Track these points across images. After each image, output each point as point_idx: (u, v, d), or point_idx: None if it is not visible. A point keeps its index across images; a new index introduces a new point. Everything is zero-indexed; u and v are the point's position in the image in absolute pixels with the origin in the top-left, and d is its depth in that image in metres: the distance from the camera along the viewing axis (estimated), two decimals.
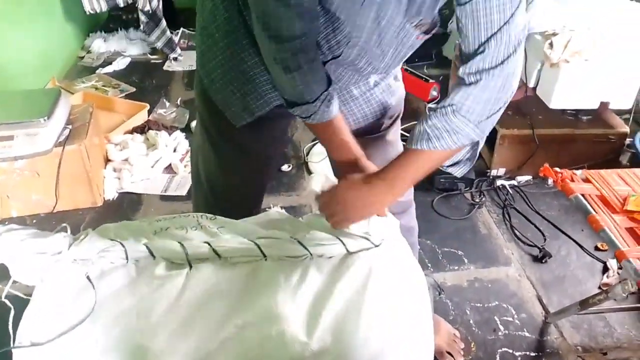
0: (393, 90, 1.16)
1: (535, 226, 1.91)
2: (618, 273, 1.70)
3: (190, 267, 0.93)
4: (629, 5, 2.01)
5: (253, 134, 1.12)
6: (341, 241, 0.97)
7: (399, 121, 1.24)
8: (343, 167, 1.01)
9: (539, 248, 1.80)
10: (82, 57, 3.20)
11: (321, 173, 1.08)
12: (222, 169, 1.24)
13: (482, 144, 0.98)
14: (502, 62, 0.83)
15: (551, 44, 1.85)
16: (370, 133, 1.17)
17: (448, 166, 1.03)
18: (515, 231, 1.89)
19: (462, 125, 0.87)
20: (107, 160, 2.17)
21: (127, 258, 0.92)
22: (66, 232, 0.90)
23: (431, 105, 0.98)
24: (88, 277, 0.90)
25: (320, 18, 0.87)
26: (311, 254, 0.96)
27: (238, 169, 1.24)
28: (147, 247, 0.93)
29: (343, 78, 1.04)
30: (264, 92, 1.06)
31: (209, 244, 0.95)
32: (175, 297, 0.89)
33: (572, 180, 1.40)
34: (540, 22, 1.95)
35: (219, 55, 1.05)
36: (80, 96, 2.60)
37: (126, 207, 2.03)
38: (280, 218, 1.14)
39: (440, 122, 0.88)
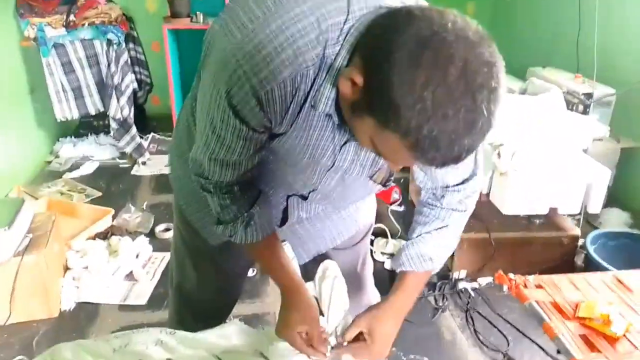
0: (365, 208, 1.21)
1: (499, 330, 1.92)
2: None
3: None
4: (567, 115, 2.19)
5: (228, 251, 1.13)
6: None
7: (367, 238, 1.28)
8: (282, 291, 1.01)
9: (502, 353, 1.80)
10: (50, 162, 3.23)
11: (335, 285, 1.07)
12: (197, 282, 1.25)
13: None
14: (474, 193, 1.00)
15: (499, 154, 1.99)
16: (341, 248, 1.20)
17: None
18: (479, 336, 1.89)
19: (454, 241, 1.04)
20: (67, 268, 2.13)
21: None
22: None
23: (428, 229, 1.03)
24: None
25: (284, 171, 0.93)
26: None
27: (212, 283, 1.25)
28: None
29: (309, 208, 1.07)
30: None
31: None
32: None
33: (526, 287, 1.44)
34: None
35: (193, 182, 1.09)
36: (45, 202, 2.59)
37: (83, 318, 1.96)
38: (241, 330, 1.13)
39: (439, 242, 1.01)
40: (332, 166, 0.89)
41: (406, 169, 2.62)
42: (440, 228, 1.00)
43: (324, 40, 0.70)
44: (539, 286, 1.46)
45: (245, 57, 0.70)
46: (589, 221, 2.52)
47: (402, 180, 2.85)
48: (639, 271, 1.54)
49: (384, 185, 1.00)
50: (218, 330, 1.12)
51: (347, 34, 0.70)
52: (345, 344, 0.99)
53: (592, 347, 1.25)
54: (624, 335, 1.28)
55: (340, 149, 0.85)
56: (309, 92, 0.74)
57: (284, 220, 1.04)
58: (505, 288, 1.46)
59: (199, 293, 1.26)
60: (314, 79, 0.72)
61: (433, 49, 0.59)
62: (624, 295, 1.42)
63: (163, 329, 1.10)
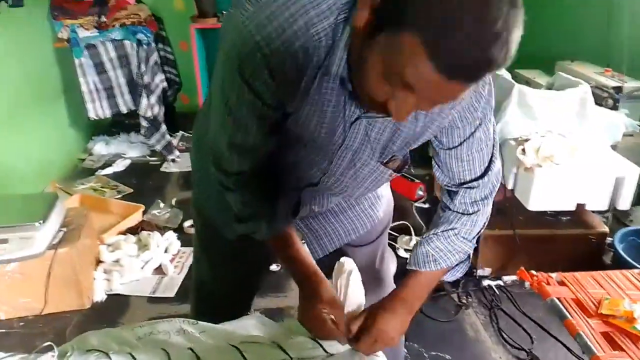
0: (380, 200, 1.21)
1: (523, 328, 1.90)
2: None
3: None
4: (592, 111, 2.15)
5: (244, 246, 1.15)
6: (320, 345, 1.00)
7: (385, 234, 1.28)
8: (299, 286, 1.01)
9: (526, 352, 1.78)
10: (84, 160, 3.35)
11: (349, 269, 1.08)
12: (213, 276, 1.28)
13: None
14: (488, 195, 0.99)
15: (524, 150, 1.97)
16: (358, 244, 1.21)
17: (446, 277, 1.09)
18: (503, 334, 1.88)
19: (463, 245, 1.01)
20: (99, 262, 2.21)
21: None
22: (52, 350, 0.92)
23: (436, 231, 1.03)
24: None
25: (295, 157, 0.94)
26: (292, 358, 0.99)
27: (229, 277, 1.26)
28: (132, 355, 0.96)
29: (321, 201, 1.08)
30: None
31: (192, 350, 0.98)
32: None
33: (548, 283, 1.43)
34: (512, 130, 2.08)
35: (210, 175, 1.12)
36: (77, 198, 2.69)
37: (113, 309, 2.03)
38: (260, 322, 1.16)
39: (443, 244, 1.00)
40: (341, 144, 0.88)
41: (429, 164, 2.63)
42: (446, 230, 1.00)
43: (337, 9, 0.71)
44: (561, 283, 1.45)
45: (258, 27, 0.71)
46: (618, 218, 2.46)
47: (427, 177, 2.84)
48: None
49: (399, 172, 0.99)
50: (238, 322, 1.15)
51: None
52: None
53: (614, 345, 1.23)
54: None
55: (350, 127, 0.84)
56: (322, 64, 0.74)
57: (295, 213, 1.05)
58: (527, 284, 1.45)
59: (216, 287, 1.28)
60: (327, 51, 0.73)
61: None
62: None
63: (186, 320, 1.13)
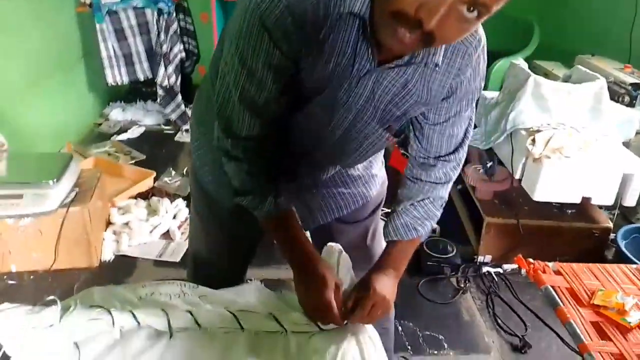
0: (373, 179, 1.25)
1: (518, 315, 1.93)
2: None
3: (171, 335, 0.99)
4: (607, 106, 2.14)
5: (239, 215, 1.19)
6: (315, 322, 1.03)
7: (378, 212, 1.30)
8: (299, 269, 1.00)
9: (519, 338, 1.81)
10: (100, 124, 3.40)
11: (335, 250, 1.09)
12: (207, 246, 1.31)
13: None
14: (459, 165, 1.05)
15: (534, 140, 1.97)
16: (350, 221, 1.24)
17: None
18: (498, 319, 1.91)
19: (437, 212, 1.08)
20: (108, 223, 2.27)
21: (113, 324, 0.98)
22: (56, 304, 0.96)
23: (412, 202, 1.08)
24: (75, 344, 0.96)
25: (298, 117, 0.95)
26: (286, 330, 1.02)
27: (224, 245, 1.29)
28: (132, 314, 1.00)
29: (318, 169, 1.11)
30: None
31: (190, 313, 1.02)
32: None
33: (544, 272, 1.45)
34: (525, 120, 2.08)
35: (211, 147, 1.12)
36: (92, 161, 2.75)
37: (120, 270, 2.09)
38: (259, 292, 1.20)
39: (420, 213, 1.07)
40: (346, 102, 0.89)
41: None
42: (422, 200, 1.06)
43: None
44: (557, 272, 1.46)
45: None
46: (625, 216, 2.47)
47: None
48: None
49: (397, 137, 1.02)
50: (237, 289, 1.19)
51: None
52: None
53: (603, 334, 1.25)
54: (638, 326, 1.28)
55: (358, 83, 0.86)
56: (340, 13, 0.77)
57: (289, 181, 1.05)
58: (523, 272, 1.47)
59: (211, 256, 1.31)
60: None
61: None
62: None
63: (187, 283, 1.17)
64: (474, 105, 0.99)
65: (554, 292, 1.38)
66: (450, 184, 1.09)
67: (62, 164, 2.03)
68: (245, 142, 0.93)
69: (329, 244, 1.10)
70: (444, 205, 1.10)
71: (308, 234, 1.15)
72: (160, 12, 3.11)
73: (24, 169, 2.04)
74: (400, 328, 1.82)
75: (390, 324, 1.41)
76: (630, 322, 1.28)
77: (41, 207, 1.90)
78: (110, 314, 1.00)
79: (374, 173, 1.23)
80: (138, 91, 3.68)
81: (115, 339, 0.98)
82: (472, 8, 0.69)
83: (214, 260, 1.32)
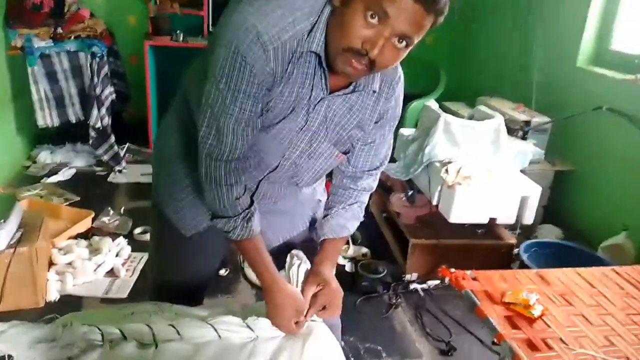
0: (319, 204, 1.46)
1: (443, 324, 2.19)
2: None
3: (156, 346, 1.12)
4: (505, 140, 2.52)
5: (198, 243, 1.34)
6: None
7: None
8: (267, 290, 1.21)
9: (446, 343, 2.06)
10: (28, 167, 3.36)
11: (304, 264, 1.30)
12: (170, 272, 1.43)
13: None
14: (377, 178, 1.35)
15: (447, 170, 2.28)
16: (301, 240, 1.43)
17: None
18: (426, 328, 2.16)
19: (361, 214, 1.35)
20: (51, 264, 2.28)
21: (102, 340, 1.10)
22: (55, 322, 1.07)
23: (343, 205, 1.35)
24: (69, 358, 1.06)
25: (265, 138, 1.14)
26: (257, 336, 1.19)
27: (184, 272, 1.42)
28: (120, 330, 1.12)
29: (277, 192, 1.30)
30: (197, 212, 1.29)
31: (172, 326, 1.15)
32: None
33: (464, 279, 1.71)
34: (438, 153, 2.40)
35: (166, 178, 1.30)
36: (26, 203, 2.72)
37: (67, 309, 2.10)
38: (228, 306, 1.35)
39: (349, 214, 1.33)
40: (304, 125, 1.12)
41: None
42: (352, 204, 1.32)
43: (315, 12, 0.99)
44: (474, 279, 1.73)
45: (258, 20, 0.95)
46: (527, 236, 2.84)
47: None
48: (557, 269, 1.84)
49: (346, 153, 1.24)
50: (207, 304, 1.34)
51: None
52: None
53: (514, 325, 1.52)
54: (540, 317, 1.56)
55: (314, 108, 1.10)
56: (304, 48, 1.00)
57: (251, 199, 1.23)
58: (447, 280, 1.73)
59: (172, 282, 1.42)
60: (308, 34, 0.99)
61: None
62: (543, 287, 1.71)
63: (161, 303, 1.31)
64: (393, 130, 1.27)
65: (472, 295, 1.64)
66: (370, 193, 1.36)
67: (7, 204, 2.06)
68: (235, 163, 1.10)
69: (293, 251, 1.30)
70: (364, 209, 1.37)
71: None
72: (93, 55, 3.19)
73: None
74: (342, 343, 2.00)
75: (337, 320, 1.61)
76: (534, 314, 1.55)
77: None
78: (100, 330, 1.12)
79: (318, 198, 1.45)
80: (67, 133, 3.67)
81: (106, 352, 1.10)
82: (401, 40, 0.96)
83: (177, 284, 1.43)
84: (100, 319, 1.18)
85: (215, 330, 1.18)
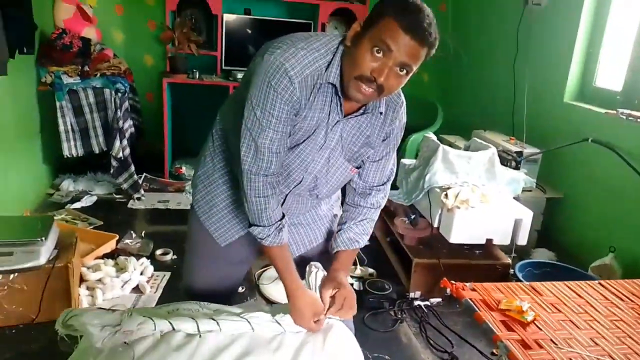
0: (335, 219, 1.68)
1: (445, 337, 2.36)
2: None
3: (200, 336, 1.30)
4: (499, 168, 2.75)
5: (229, 251, 1.57)
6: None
7: None
8: (286, 293, 1.42)
9: (448, 353, 2.23)
10: (52, 194, 3.56)
11: (319, 270, 1.51)
12: (203, 276, 1.63)
13: None
14: (386, 195, 1.57)
15: (446, 195, 2.50)
16: (319, 253, 1.65)
17: None
18: (430, 340, 2.33)
19: (370, 230, 1.57)
20: (81, 281, 2.46)
21: (154, 328, 1.29)
22: (119, 310, 1.27)
23: (355, 221, 1.56)
24: (126, 343, 1.25)
25: (291, 156, 1.37)
26: (284, 330, 1.38)
27: (215, 275, 1.63)
28: (170, 322, 1.31)
29: (300, 205, 1.53)
30: (237, 221, 1.53)
31: (213, 319, 1.35)
32: (190, 354, 1.25)
33: (463, 289, 1.91)
34: (438, 180, 2.62)
35: (206, 195, 1.53)
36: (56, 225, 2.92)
37: None
38: (258, 305, 1.55)
39: (360, 229, 1.54)
40: (323, 143, 1.35)
41: None
42: (362, 220, 1.54)
43: (331, 51, 1.24)
44: (473, 289, 1.93)
45: (286, 59, 1.20)
46: (522, 259, 3.03)
47: None
48: (548, 282, 2.03)
49: (358, 168, 1.47)
50: (240, 305, 1.53)
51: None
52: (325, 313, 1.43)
53: (509, 328, 1.70)
54: (533, 322, 1.74)
55: (332, 129, 1.33)
56: (323, 80, 1.24)
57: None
58: (448, 290, 1.92)
59: (204, 285, 1.62)
60: (327, 68, 1.24)
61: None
62: (535, 297, 1.90)
63: (201, 302, 1.50)
64: (396, 150, 1.50)
65: (472, 303, 1.83)
66: (379, 210, 1.57)
67: (46, 224, 2.25)
68: (271, 178, 1.33)
69: (310, 263, 1.51)
70: (374, 225, 1.57)
71: None
72: (117, 91, 3.44)
73: (8, 230, 2.23)
74: None
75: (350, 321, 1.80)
76: (527, 319, 1.74)
77: (32, 262, 2.10)
78: (153, 321, 1.31)
79: (335, 213, 1.67)
80: (87, 163, 3.89)
81: (157, 339, 1.29)
82: (402, 69, 1.20)
83: (209, 287, 1.63)
84: (152, 313, 1.37)
85: (249, 323, 1.37)
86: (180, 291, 1.73)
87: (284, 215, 1.41)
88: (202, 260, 1.62)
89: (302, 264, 1.55)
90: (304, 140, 1.34)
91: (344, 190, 1.60)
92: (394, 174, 1.55)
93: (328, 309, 1.44)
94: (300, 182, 1.44)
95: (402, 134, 1.48)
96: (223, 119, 1.50)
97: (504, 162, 3.03)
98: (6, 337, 2.14)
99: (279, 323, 1.41)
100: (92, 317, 1.23)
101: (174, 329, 1.32)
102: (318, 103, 1.28)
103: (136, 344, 1.27)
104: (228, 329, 1.35)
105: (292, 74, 1.20)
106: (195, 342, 1.30)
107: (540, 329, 1.71)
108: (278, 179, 1.37)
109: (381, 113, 1.38)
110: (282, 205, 1.46)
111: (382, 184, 1.54)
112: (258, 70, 1.23)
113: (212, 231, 1.54)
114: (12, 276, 2.11)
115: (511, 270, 2.70)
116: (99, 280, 2.47)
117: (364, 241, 1.56)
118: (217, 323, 1.35)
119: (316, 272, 1.51)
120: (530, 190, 3.10)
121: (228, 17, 4.09)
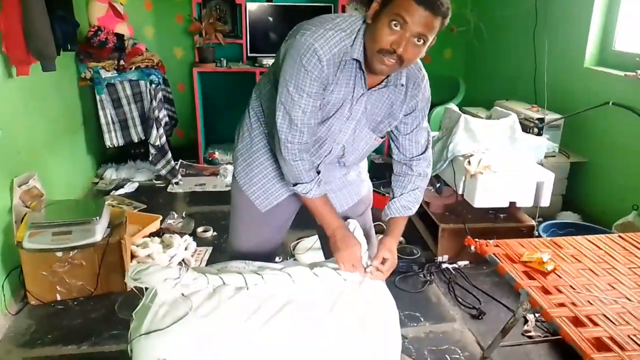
0: (363, 183, 1.82)
1: (474, 295, 2.49)
2: (535, 324, 2.27)
3: (247, 288, 1.47)
4: (520, 135, 2.84)
5: (269, 216, 1.73)
6: (339, 274, 1.56)
7: (369, 210, 1.88)
8: (329, 235, 1.57)
9: (476, 309, 2.36)
10: (96, 183, 3.81)
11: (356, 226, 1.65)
12: (246, 238, 1.79)
13: None
14: (430, 163, 1.68)
15: (469, 162, 2.61)
16: (352, 216, 1.78)
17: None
18: (458, 299, 2.46)
19: (420, 198, 1.68)
20: (132, 257, 2.67)
21: (208, 283, 1.46)
22: (178, 267, 1.45)
23: (404, 190, 1.68)
24: (183, 294, 1.43)
25: (322, 129, 1.52)
26: (322, 281, 1.54)
27: (258, 238, 1.79)
28: (220, 277, 1.48)
29: (330, 172, 1.68)
30: (276, 189, 1.69)
31: (257, 273, 1.51)
32: (240, 304, 1.42)
33: (487, 246, 2.03)
34: (461, 149, 2.73)
35: (247, 166, 1.69)
36: None
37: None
38: (295, 263, 1.70)
39: (412, 197, 1.66)
40: (349, 115, 1.49)
41: None
42: (412, 190, 1.66)
43: (356, 29, 1.36)
44: (496, 246, 2.05)
45: (316, 39, 1.33)
46: (542, 216, 3.12)
47: None
48: (568, 237, 2.14)
49: (382, 137, 1.61)
50: (279, 264, 1.69)
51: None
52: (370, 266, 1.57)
53: (530, 277, 1.82)
54: (553, 271, 1.86)
55: (357, 102, 1.46)
56: (348, 55, 1.37)
57: None
58: (472, 248, 2.04)
59: (248, 247, 1.78)
60: (352, 44, 1.36)
61: None
62: (556, 250, 2.01)
63: (245, 261, 1.67)
64: (427, 118, 1.61)
65: (495, 257, 1.96)
66: (426, 178, 1.68)
67: (98, 206, 2.47)
68: (305, 145, 1.49)
69: (348, 220, 1.66)
70: (423, 192, 1.69)
71: None
72: (151, 82, 3.64)
73: (66, 212, 2.45)
74: None
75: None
76: (547, 269, 1.85)
77: (89, 239, 2.32)
78: (206, 276, 1.48)
79: (362, 178, 1.82)
80: (127, 153, 4.12)
81: (209, 292, 1.46)
82: (419, 39, 1.31)
83: (252, 249, 1.80)
84: (205, 270, 1.55)
85: (290, 276, 1.53)
86: (226, 254, 1.90)
87: (319, 172, 1.56)
88: (245, 225, 1.79)
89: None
90: (333, 114, 1.49)
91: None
92: (430, 142, 1.66)
93: (375, 258, 1.58)
94: (330, 151, 1.59)
95: (429, 105, 1.60)
96: (259, 96, 1.65)
97: (526, 129, 3.10)
98: (70, 308, 2.36)
99: (316, 275, 1.57)
100: (156, 271, 1.41)
101: (224, 283, 1.49)
102: (344, 78, 1.42)
103: (192, 295, 1.44)
104: (271, 281, 1.51)
105: (320, 53, 1.33)
106: (243, 293, 1.46)
107: (560, 277, 1.83)
108: (309, 146, 1.52)
109: (402, 85, 1.50)
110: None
111: (421, 154, 1.64)
112: (291, 50, 1.37)
113: (254, 199, 1.70)
114: (72, 253, 2.33)
115: (535, 233, 2.80)
116: (148, 256, 2.68)
117: (415, 208, 1.68)
118: (262, 277, 1.51)
119: (355, 229, 1.65)
120: (553, 156, 3.17)
121: (251, 6, 4.24)
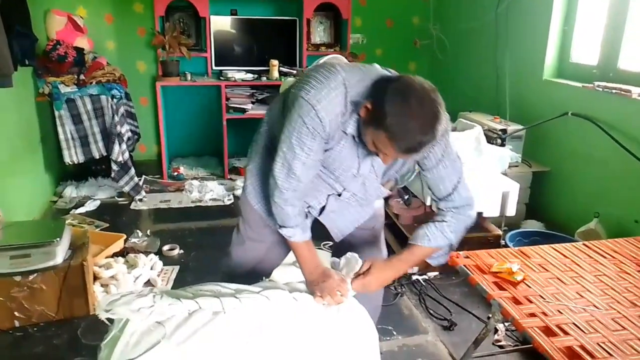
0: (378, 204, 1.81)
1: (444, 306, 2.50)
2: (505, 334, 2.29)
3: (224, 312, 1.42)
4: (485, 146, 2.89)
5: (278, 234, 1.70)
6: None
7: (380, 224, 1.88)
8: (307, 279, 1.57)
9: (447, 320, 2.37)
10: (55, 202, 3.67)
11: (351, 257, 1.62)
12: (252, 256, 1.80)
13: (454, 247, 1.69)
14: (464, 206, 1.61)
15: None
16: (365, 228, 1.78)
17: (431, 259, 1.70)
18: (430, 310, 2.47)
19: (447, 234, 1.60)
20: (95, 279, 2.58)
21: (184, 309, 1.41)
22: (151, 293, 1.39)
23: (433, 220, 1.62)
24: (158, 322, 1.37)
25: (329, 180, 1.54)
26: (301, 305, 1.51)
27: (261, 251, 1.79)
28: (196, 301, 1.43)
29: (346, 204, 1.65)
30: None
31: (235, 296, 1.47)
32: (217, 330, 1.37)
33: (458, 257, 2.04)
34: None
35: (257, 187, 1.68)
36: None
37: None
38: (275, 285, 1.67)
39: (436, 229, 1.60)
40: (357, 172, 1.50)
41: None
42: (440, 221, 1.59)
43: (350, 104, 1.35)
44: (467, 257, 2.06)
45: (316, 100, 1.32)
46: (512, 230, 3.18)
47: None
48: (535, 246, 2.18)
49: (391, 190, 1.63)
50: (259, 285, 1.66)
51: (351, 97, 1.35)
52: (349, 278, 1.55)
53: (501, 288, 1.84)
54: (523, 281, 1.88)
55: (363, 160, 1.47)
56: (344, 124, 1.37)
57: (322, 210, 1.61)
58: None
59: (249, 264, 1.79)
60: (345, 118, 1.36)
61: (406, 92, 1.23)
62: (524, 260, 2.04)
63: (220, 283, 1.62)
64: (447, 167, 1.51)
65: (466, 269, 1.97)
66: (460, 223, 1.60)
67: (58, 226, 2.37)
68: (298, 193, 1.47)
69: (348, 253, 1.63)
70: (455, 231, 1.61)
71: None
72: (113, 97, 3.54)
73: (24, 234, 2.34)
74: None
75: (378, 301, 1.97)
76: (517, 279, 1.88)
77: (49, 262, 2.22)
78: (181, 301, 1.43)
79: (373, 206, 1.79)
80: (87, 169, 4.00)
81: (184, 317, 1.41)
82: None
83: (250, 267, 1.81)
84: (179, 295, 1.49)
85: (268, 299, 1.50)
86: (221, 268, 1.91)
87: (306, 216, 1.56)
88: (251, 241, 1.79)
89: (343, 249, 1.70)
90: (340, 173, 1.51)
91: None
92: (456, 187, 1.55)
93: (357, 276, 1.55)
94: (340, 195, 1.60)
95: (447, 147, 1.51)
96: (268, 122, 1.65)
97: (489, 140, 3.16)
98: (30, 335, 2.25)
99: (295, 299, 1.54)
100: (129, 301, 1.35)
101: (200, 307, 1.44)
102: (343, 141, 1.43)
103: (166, 322, 1.39)
104: (249, 305, 1.47)
105: (322, 115, 1.33)
106: (221, 318, 1.42)
107: (530, 287, 1.85)
108: (301, 194, 1.51)
109: None
110: (324, 207, 1.62)
111: (448, 195, 1.56)
112: (296, 106, 1.37)
113: (265, 217, 1.69)
114: (31, 277, 2.23)
115: (502, 241, 2.84)
116: (112, 277, 2.59)
117: (436, 243, 1.58)
118: (240, 300, 1.47)
119: (355, 260, 1.62)
120: (517, 166, 3.24)
121: (215, 19, 4.20)
